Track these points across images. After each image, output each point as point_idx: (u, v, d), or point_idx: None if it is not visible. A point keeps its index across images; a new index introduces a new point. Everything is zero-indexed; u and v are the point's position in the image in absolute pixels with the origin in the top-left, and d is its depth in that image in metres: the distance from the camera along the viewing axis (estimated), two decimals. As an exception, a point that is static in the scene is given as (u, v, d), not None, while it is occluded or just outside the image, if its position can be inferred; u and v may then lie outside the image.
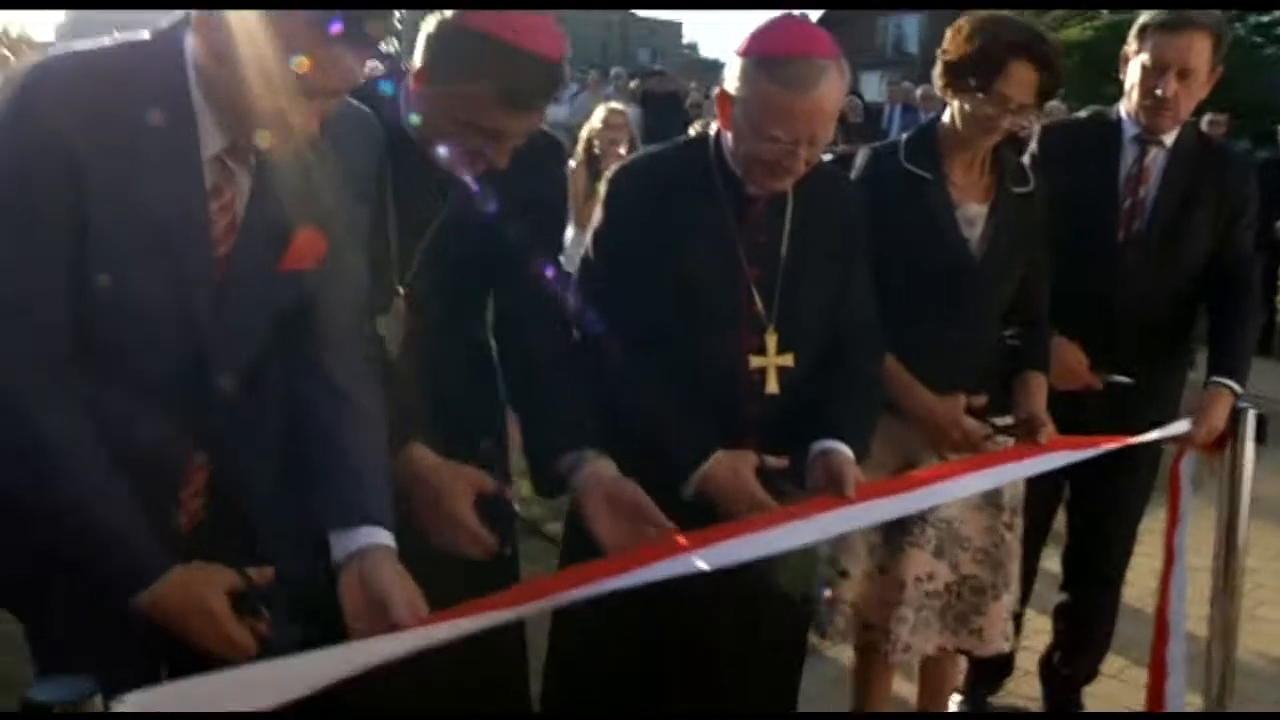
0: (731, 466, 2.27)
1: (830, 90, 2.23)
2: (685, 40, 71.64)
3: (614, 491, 2.16)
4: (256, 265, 1.80)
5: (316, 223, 1.84)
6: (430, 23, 2.15)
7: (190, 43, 1.68)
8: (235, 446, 1.92)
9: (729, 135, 2.37)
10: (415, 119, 2.20)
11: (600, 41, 52.82)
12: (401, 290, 2.27)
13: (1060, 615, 3.66)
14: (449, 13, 2.12)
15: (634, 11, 56.58)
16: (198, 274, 1.73)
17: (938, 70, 2.87)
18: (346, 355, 1.96)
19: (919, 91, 14.95)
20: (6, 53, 15.94)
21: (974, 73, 2.74)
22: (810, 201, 2.44)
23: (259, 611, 1.73)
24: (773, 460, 2.31)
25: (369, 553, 1.80)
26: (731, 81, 2.33)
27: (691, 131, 6.31)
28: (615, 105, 6.95)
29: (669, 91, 15.21)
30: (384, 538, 1.83)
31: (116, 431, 1.70)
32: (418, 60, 2.15)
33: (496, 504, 2.10)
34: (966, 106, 2.79)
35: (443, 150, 2.17)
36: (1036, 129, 3.45)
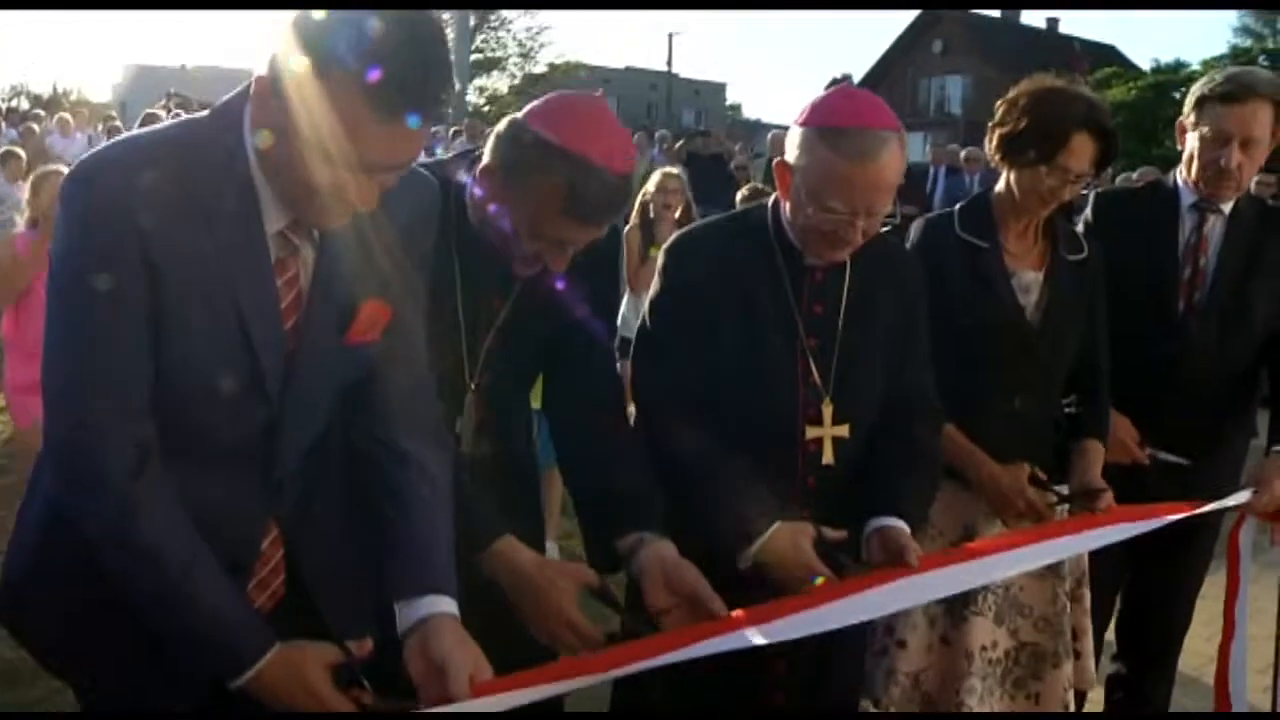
0: (791, 538, 2.27)
1: (890, 162, 2.24)
2: (729, 101, 72.11)
3: (674, 575, 2.16)
4: (324, 337, 1.82)
5: (380, 293, 1.86)
6: (502, 123, 2.16)
7: (248, 119, 1.70)
8: (306, 518, 1.95)
9: (787, 205, 2.39)
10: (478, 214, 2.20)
11: (646, 103, 53.33)
12: (472, 386, 2.30)
13: (1114, 686, 3.59)
14: (521, 114, 2.13)
15: (678, 73, 57.11)
16: (269, 349, 1.75)
17: (993, 143, 2.89)
18: (410, 420, 1.97)
19: (964, 154, 14.99)
20: (68, 116, 16.35)
21: (1034, 145, 2.76)
22: (868, 272, 2.44)
23: (360, 683, 1.77)
24: (831, 532, 2.30)
25: (432, 621, 1.83)
26: (791, 151, 2.33)
27: (740, 195, 6.43)
28: (670, 170, 7.01)
29: (714, 154, 15.33)
30: (447, 605, 1.85)
31: (195, 511, 1.73)
32: (486, 156, 2.15)
33: (602, 595, 2.13)
34: (1026, 178, 2.81)
35: (501, 248, 2.17)
36: (1091, 195, 3.45)
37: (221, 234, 1.67)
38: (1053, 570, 2.92)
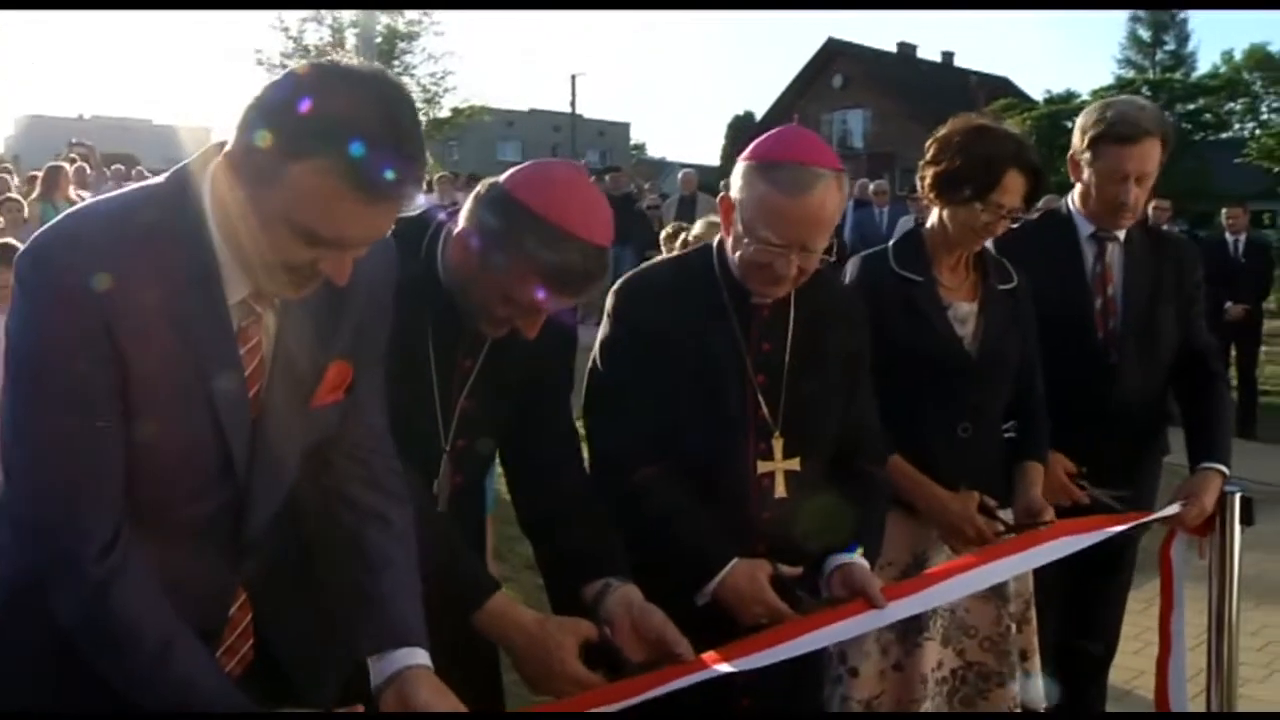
0: (749, 574, 2.29)
1: (826, 198, 2.28)
2: (633, 141, 72.66)
3: (641, 620, 2.17)
4: (288, 403, 1.80)
5: (343, 354, 1.85)
6: (481, 186, 2.15)
7: (209, 188, 1.66)
8: (273, 581, 1.92)
9: (729, 240, 2.42)
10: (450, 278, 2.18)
11: (550, 144, 53.50)
12: (447, 449, 2.29)
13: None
14: (502, 179, 2.12)
15: (582, 113, 57.42)
16: (234, 418, 1.73)
17: (926, 180, 2.98)
18: (372, 475, 1.97)
19: (872, 187, 15.27)
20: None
21: (969, 183, 2.86)
22: (812, 309, 2.49)
23: None
24: (787, 569, 2.33)
25: (407, 673, 1.82)
26: (735, 186, 2.38)
27: (663, 235, 6.47)
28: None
29: (624, 194, 15.44)
30: (421, 657, 1.84)
31: (162, 580, 1.70)
32: (464, 220, 2.14)
33: (602, 648, 2.13)
34: (961, 215, 2.90)
35: (473, 311, 2.17)
36: None
37: (185, 307, 1.64)
38: (997, 592, 2.98)
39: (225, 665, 1.86)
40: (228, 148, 1.62)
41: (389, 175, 1.56)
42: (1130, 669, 4.67)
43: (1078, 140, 3.30)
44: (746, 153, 2.39)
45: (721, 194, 2.45)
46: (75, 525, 1.63)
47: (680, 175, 16.35)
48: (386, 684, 1.82)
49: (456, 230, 2.14)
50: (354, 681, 1.89)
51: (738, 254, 2.37)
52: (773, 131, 2.44)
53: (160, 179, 1.73)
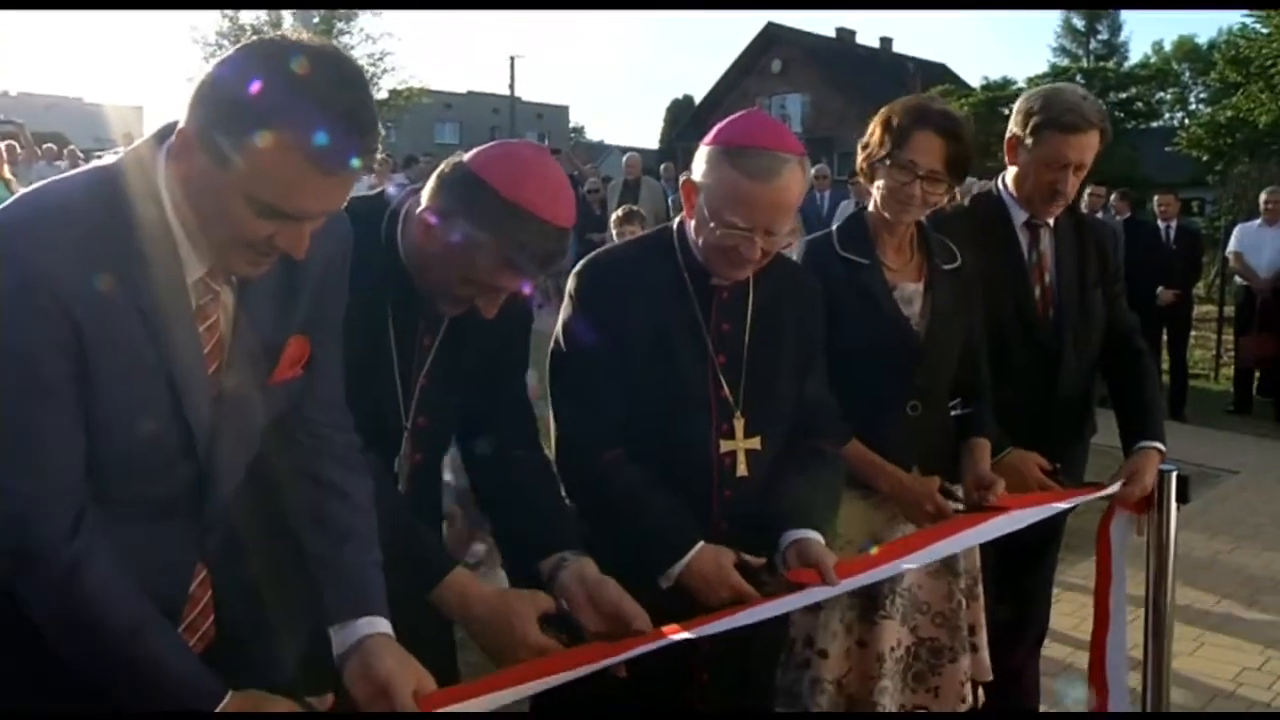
0: (714, 558, 2.33)
1: (791, 183, 2.32)
2: (573, 124, 72.42)
3: (597, 593, 2.19)
4: (247, 380, 1.81)
5: (301, 329, 1.87)
6: (446, 165, 2.14)
7: (163, 168, 1.67)
8: (233, 556, 1.93)
9: (692, 225, 2.45)
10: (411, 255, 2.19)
11: (489, 127, 53.11)
12: (407, 426, 2.30)
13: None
14: (466, 158, 2.12)
15: (521, 96, 57.10)
16: (194, 397, 1.73)
17: (860, 159, 3.02)
18: (331, 449, 1.98)
19: (813, 171, 15.35)
20: None
21: (881, 147, 2.92)
22: (770, 289, 2.53)
23: None
24: (752, 559, 2.36)
25: (368, 642, 1.84)
26: (697, 170, 2.40)
27: (613, 218, 6.48)
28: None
29: (568, 175, 15.36)
30: (383, 626, 1.87)
31: (123, 558, 1.69)
32: (426, 198, 2.14)
33: (559, 620, 2.15)
34: (881, 182, 2.95)
35: (433, 289, 2.17)
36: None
37: (142, 289, 1.64)
38: (948, 568, 3.05)
39: (188, 642, 1.86)
40: (180, 126, 1.63)
41: (345, 146, 1.59)
42: (1069, 640, 4.80)
43: (1018, 123, 3.31)
44: (710, 137, 2.41)
45: (684, 178, 2.47)
46: (38, 512, 1.62)
47: (625, 159, 16.23)
48: (349, 653, 1.84)
49: (418, 210, 2.15)
50: (313, 655, 1.91)
51: (702, 238, 2.40)
52: (736, 116, 2.46)
53: (109, 160, 1.72)
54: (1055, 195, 3.28)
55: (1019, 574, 3.55)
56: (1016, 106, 3.39)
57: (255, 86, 1.56)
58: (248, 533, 1.96)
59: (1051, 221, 3.39)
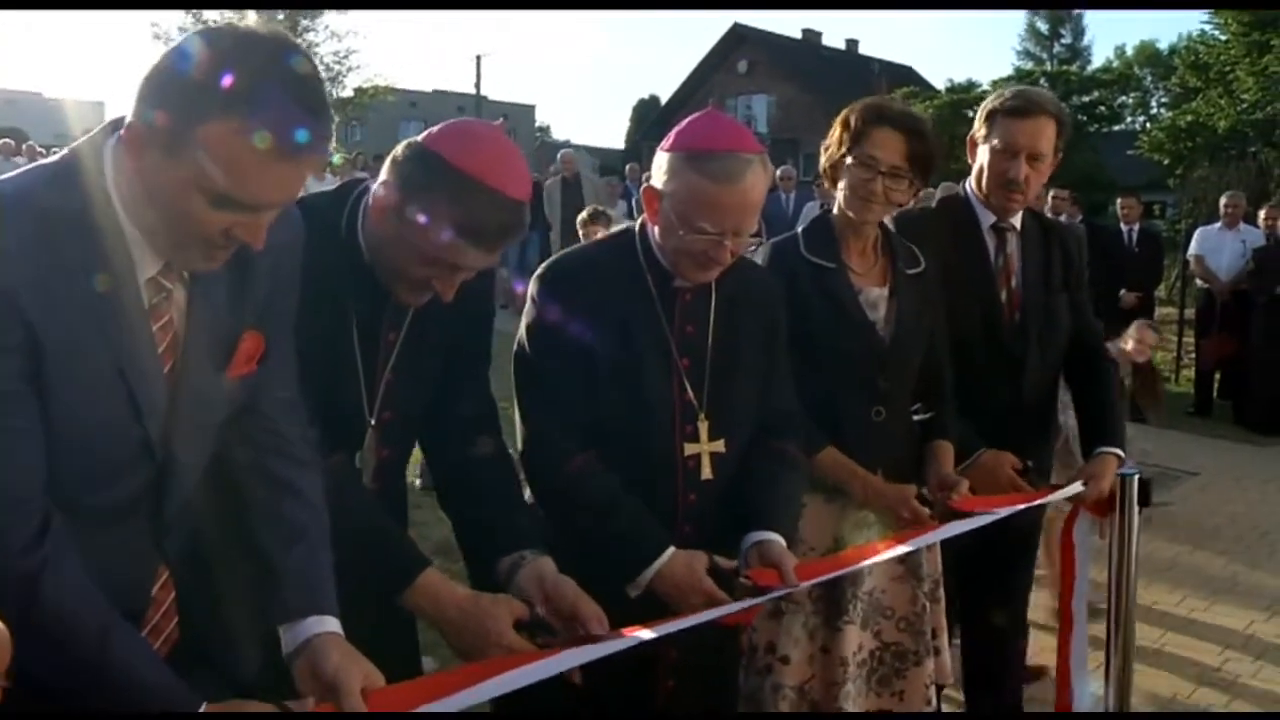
0: (687, 564, 2.32)
1: (756, 183, 2.32)
2: (538, 123, 72.26)
3: (554, 593, 2.18)
4: (202, 377, 1.79)
5: (254, 324, 1.84)
6: (400, 145, 2.13)
7: (110, 164, 1.64)
8: (194, 556, 1.90)
9: (655, 229, 2.43)
10: (370, 240, 2.17)
11: (454, 126, 52.89)
12: (372, 422, 2.28)
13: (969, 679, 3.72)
14: (420, 138, 2.11)
15: (486, 95, 56.86)
16: (150, 398, 1.71)
17: (822, 160, 3.01)
18: (284, 445, 1.96)
19: (779, 172, 15.38)
20: None
21: (841, 144, 2.91)
22: (732, 292, 2.52)
23: None
24: (723, 561, 2.35)
25: (316, 640, 1.82)
26: (659, 176, 2.38)
27: (580, 218, 6.45)
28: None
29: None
30: (331, 625, 1.85)
31: (88, 563, 1.65)
32: (382, 175, 2.12)
33: (532, 626, 2.12)
34: (844, 181, 2.93)
35: (392, 273, 2.15)
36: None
37: (94, 290, 1.61)
38: (912, 573, 3.05)
39: (152, 645, 1.83)
40: (127, 121, 1.61)
41: (300, 131, 1.58)
42: (1035, 643, 4.81)
43: (979, 121, 3.33)
44: (669, 143, 2.39)
45: (645, 185, 2.45)
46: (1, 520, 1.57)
47: (560, 154, 15.96)
48: (296, 653, 1.82)
49: (375, 186, 2.14)
50: (274, 654, 1.87)
51: (669, 243, 2.39)
52: (692, 119, 2.44)
53: (52, 159, 1.69)
54: (1011, 186, 3.25)
55: (999, 575, 3.56)
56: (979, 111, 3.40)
57: (200, 73, 1.54)
58: (208, 532, 1.93)
59: (1018, 224, 3.38)
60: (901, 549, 2.76)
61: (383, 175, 2.13)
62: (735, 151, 2.31)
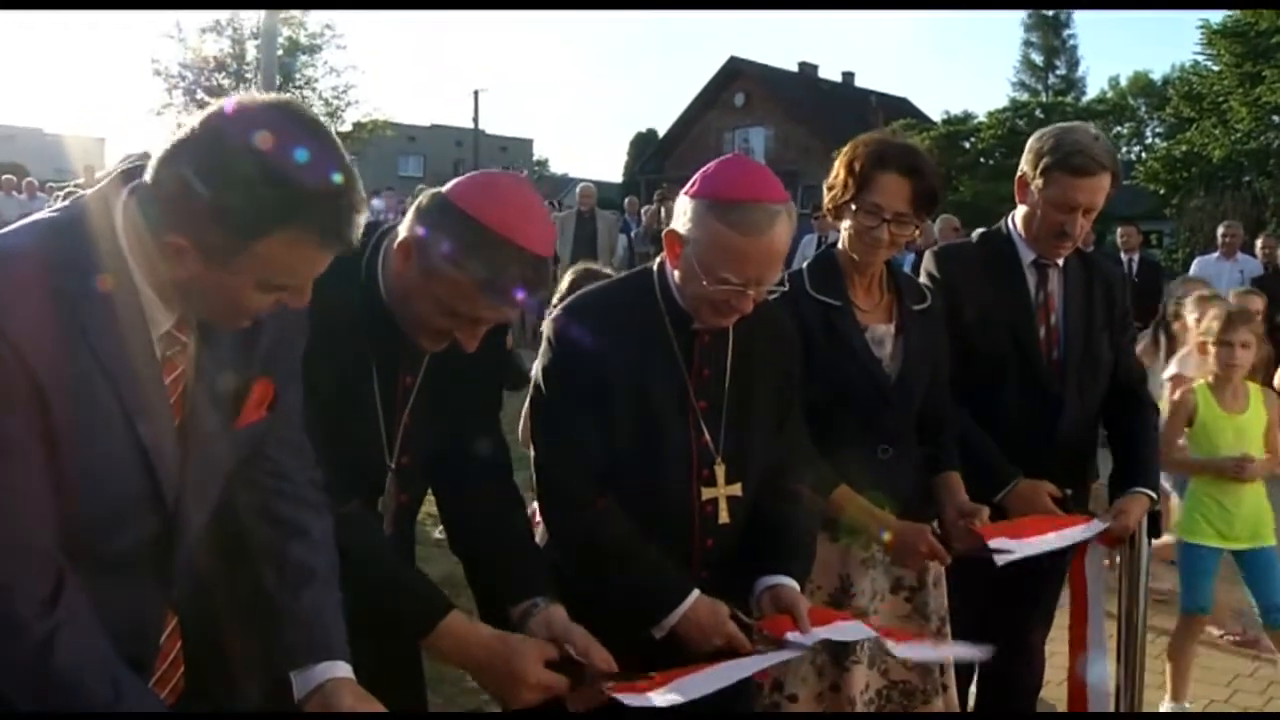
0: (711, 608, 2.32)
1: (781, 234, 2.30)
2: (536, 157, 72.45)
3: (564, 639, 2.18)
4: (212, 426, 1.80)
5: (263, 371, 1.86)
6: (423, 196, 2.13)
7: (122, 225, 1.64)
8: (200, 603, 1.91)
9: (675, 272, 2.42)
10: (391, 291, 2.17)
11: (453, 160, 53.02)
12: (392, 466, 2.28)
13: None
14: (444, 189, 2.11)
15: (485, 129, 57.05)
16: (162, 450, 1.71)
17: (825, 199, 3.01)
18: (294, 488, 1.97)
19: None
20: None
21: (845, 190, 2.91)
22: (748, 334, 2.50)
23: None
24: (744, 617, 2.36)
25: (329, 685, 1.83)
26: (682, 221, 2.36)
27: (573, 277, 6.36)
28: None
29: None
30: (342, 670, 1.86)
31: (99, 614, 1.66)
32: (404, 229, 2.12)
33: (564, 666, 2.14)
34: (849, 224, 2.93)
35: (412, 322, 2.16)
36: (930, 251, 3.48)
37: (106, 350, 1.61)
38: (919, 611, 3.05)
39: (159, 695, 1.84)
40: (171, 239, 1.60)
41: (351, 221, 1.65)
42: (1048, 679, 4.79)
43: (1029, 162, 3.26)
44: (694, 188, 2.37)
45: (666, 230, 2.44)
46: (15, 580, 1.57)
47: (579, 189, 16.00)
48: (309, 697, 1.83)
49: (396, 242, 2.13)
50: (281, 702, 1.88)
51: (690, 289, 2.37)
52: (719, 164, 2.42)
53: (57, 211, 1.69)
54: (1063, 237, 3.25)
55: (1016, 622, 3.46)
56: (1028, 145, 3.34)
57: (246, 197, 1.57)
58: (213, 578, 1.93)
59: (1061, 262, 3.36)
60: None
61: (405, 225, 2.13)
62: (762, 201, 2.29)
